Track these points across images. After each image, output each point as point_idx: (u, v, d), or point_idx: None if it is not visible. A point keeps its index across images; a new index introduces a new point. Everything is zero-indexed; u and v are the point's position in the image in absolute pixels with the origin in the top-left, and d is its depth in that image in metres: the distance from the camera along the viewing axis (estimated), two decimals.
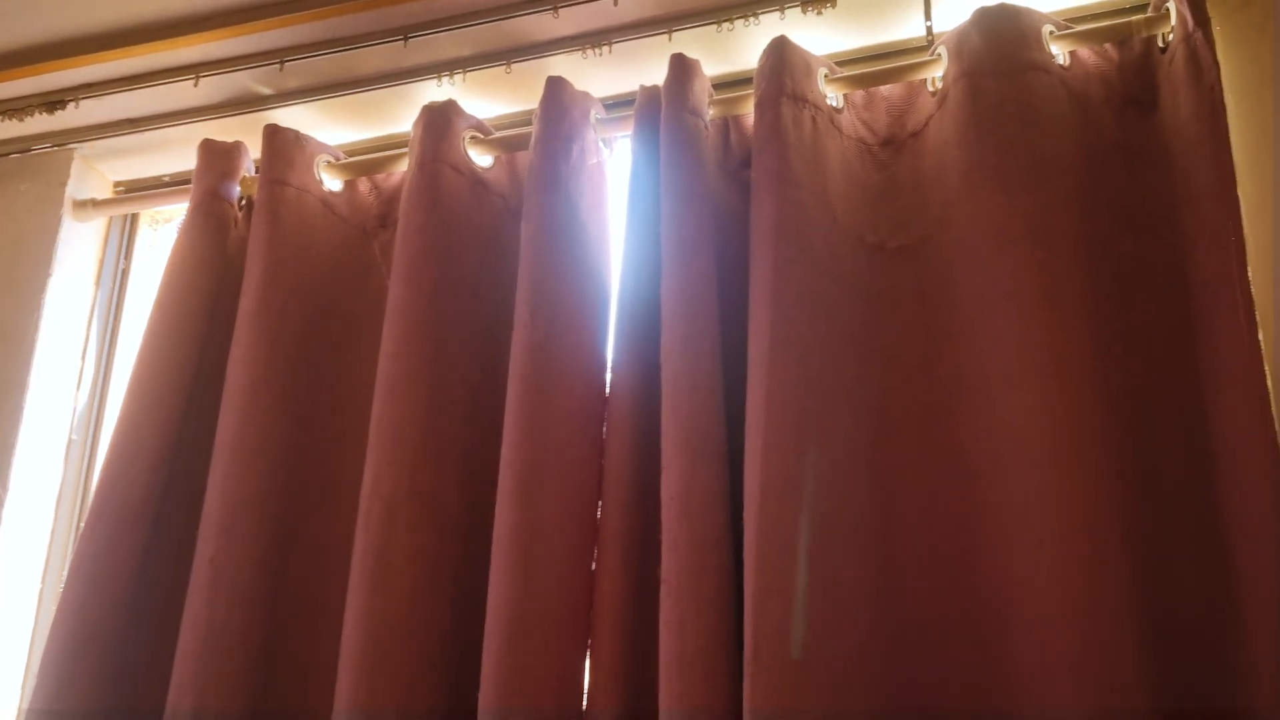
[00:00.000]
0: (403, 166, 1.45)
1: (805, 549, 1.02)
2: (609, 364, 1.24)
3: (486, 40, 1.41)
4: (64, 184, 1.61)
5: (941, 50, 1.23)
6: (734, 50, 1.38)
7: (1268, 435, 0.96)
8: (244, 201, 1.49)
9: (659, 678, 1.02)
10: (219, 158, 1.47)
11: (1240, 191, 1.04)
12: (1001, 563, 1.03)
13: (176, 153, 1.63)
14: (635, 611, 1.11)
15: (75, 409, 1.59)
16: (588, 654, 1.13)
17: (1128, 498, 1.01)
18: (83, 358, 1.61)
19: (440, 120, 1.36)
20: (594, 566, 1.15)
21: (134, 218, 1.72)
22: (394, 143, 1.57)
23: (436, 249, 1.29)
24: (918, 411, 1.13)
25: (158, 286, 1.40)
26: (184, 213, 1.46)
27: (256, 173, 1.44)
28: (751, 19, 1.32)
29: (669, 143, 1.22)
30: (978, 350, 1.10)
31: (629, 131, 1.33)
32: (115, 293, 1.67)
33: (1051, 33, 1.19)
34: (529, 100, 1.46)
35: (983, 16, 1.19)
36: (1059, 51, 1.20)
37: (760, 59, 1.24)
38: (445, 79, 1.45)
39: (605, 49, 1.38)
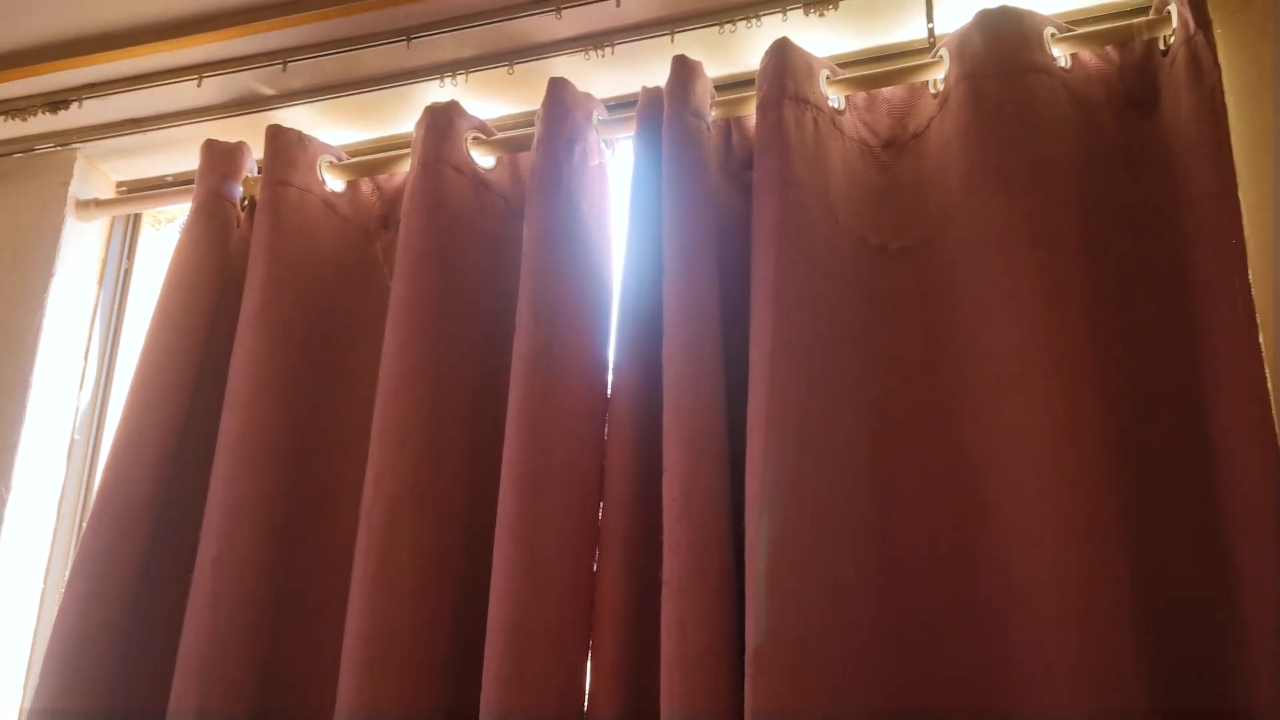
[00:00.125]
0: (405, 167, 1.45)
1: (806, 549, 1.03)
2: (611, 365, 1.24)
3: (489, 41, 1.41)
4: (67, 184, 1.61)
5: (943, 52, 1.23)
6: (736, 52, 1.38)
7: (1268, 436, 0.96)
8: (246, 202, 1.49)
9: (660, 678, 1.03)
10: (222, 158, 1.48)
11: (1240, 193, 1.04)
12: (1001, 563, 1.03)
13: (179, 153, 1.63)
14: (637, 612, 1.11)
15: (78, 409, 1.59)
16: (589, 655, 1.13)
17: (1128, 498, 1.01)
18: (85, 357, 1.61)
19: (443, 121, 1.36)
20: (595, 567, 1.16)
21: (137, 218, 1.72)
22: (396, 143, 1.57)
23: (439, 250, 1.29)
24: (918, 412, 1.13)
25: (160, 286, 1.40)
26: (187, 213, 1.47)
27: (259, 173, 1.44)
28: (754, 21, 1.32)
29: (671, 144, 1.23)
30: (979, 351, 1.10)
31: (631, 133, 1.33)
32: (118, 293, 1.67)
33: (1053, 35, 1.20)
34: (531, 101, 1.46)
35: (984, 19, 1.19)
36: (1060, 53, 1.20)
37: (762, 60, 1.25)
38: (448, 80, 1.45)
39: (608, 50, 1.38)
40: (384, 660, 1.12)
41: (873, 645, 1.04)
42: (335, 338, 1.39)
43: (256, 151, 1.50)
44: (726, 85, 1.41)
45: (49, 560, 1.53)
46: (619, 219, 1.35)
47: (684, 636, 1.02)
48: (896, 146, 1.27)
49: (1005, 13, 1.19)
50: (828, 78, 1.27)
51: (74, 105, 1.55)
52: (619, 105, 1.44)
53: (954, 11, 1.30)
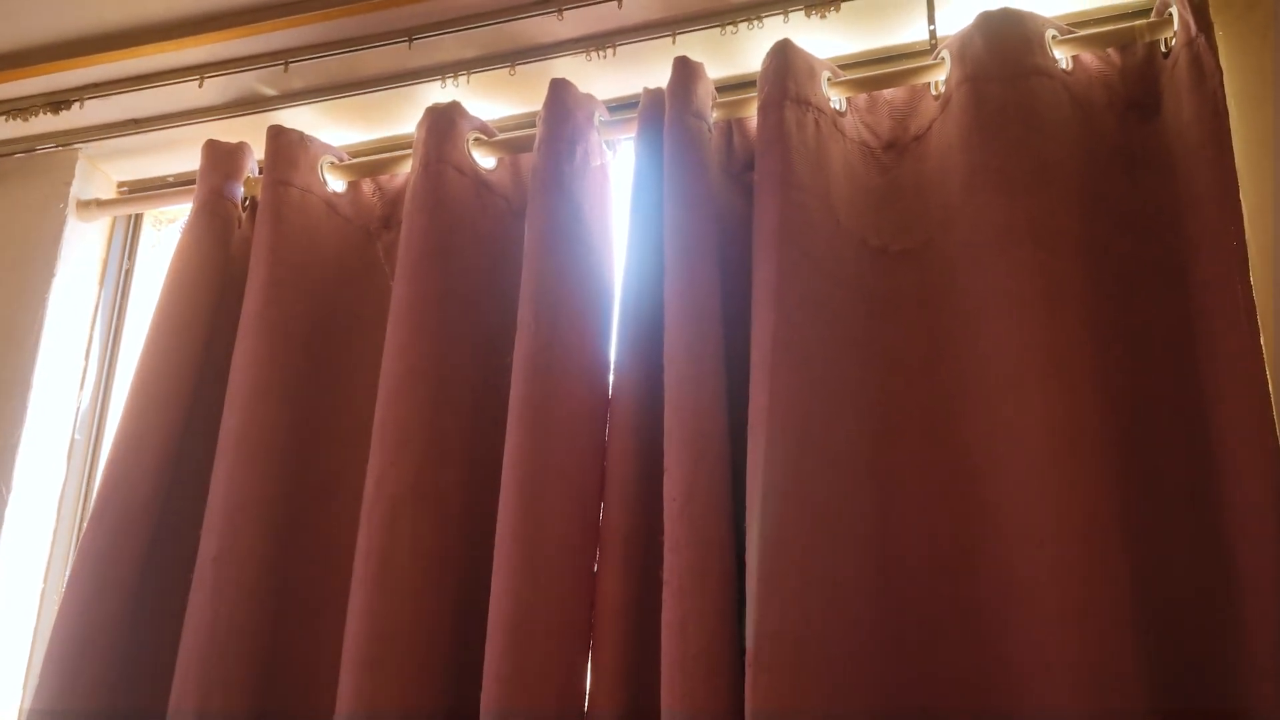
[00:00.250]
0: (407, 168, 1.45)
1: (806, 550, 1.03)
2: (612, 365, 1.25)
3: (491, 42, 1.42)
4: (68, 184, 1.61)
5: (945, 54, 1.23)
6: (738, 53, 1.38)
7: (1268, 436, 0.96)
8: (248, 202, 1.49)
9: (660, 678, 1.03)
10: (223, 158, 1.48)
11: (1241, 195, 1.04)
12: (1001, 563, 1.03)
13: (181, 153, 1.63)
14: (637, 612, 1.12)
15: (79, 408, 1.59)
16: (589, 654, 1.13)
17: (1128, 498, 1.02)
18: (86, 357, 1.61)
19: (444, 122, 1.37)
20: (596, 567, 1.16)
21: (138, 218, 1.73)
22: (398, 144, 1.57)
23: (440, 250, 1.29)
24: (919, 413, 1.13)
25: (161, 286, 1.40)
26: (188, 213, 1.47)
27: (260, 173, 1.44)
28: (755, 22, 1.32)
29: (672, 145, 1.23)
30: (979, 352, 1.10)
31: (632, 134, 1.33)
32: (119, 293, 1.67)
33: (1054, 37, 1.20)
34: (533, 102, 1.46)
35: (986, 21, 1.19)
36: (1062, 56, 1.20)
37: (764, 62, 1.25)
38: (449, 80, 1.46)
39: (609, 51, 1.39)
40: (384, 660, 1.12)
41: (873, 645, 1.04)
42: (336, 338, 1.39)
43: (258, 152, 1.50)
44: (728, 87, 1.41)
45: (49, 560, 1.53)
46: (620, 220, 1.35)
47: (684, 636, 1.02)
48: (898, 148, 1.27)
49: (1007, 15, 1.19)
50: (829, 79, 1.27)
51: (75, 105, 1.55)
52: (621, 106, 1.44)
53: (955, 13, 1.30)
